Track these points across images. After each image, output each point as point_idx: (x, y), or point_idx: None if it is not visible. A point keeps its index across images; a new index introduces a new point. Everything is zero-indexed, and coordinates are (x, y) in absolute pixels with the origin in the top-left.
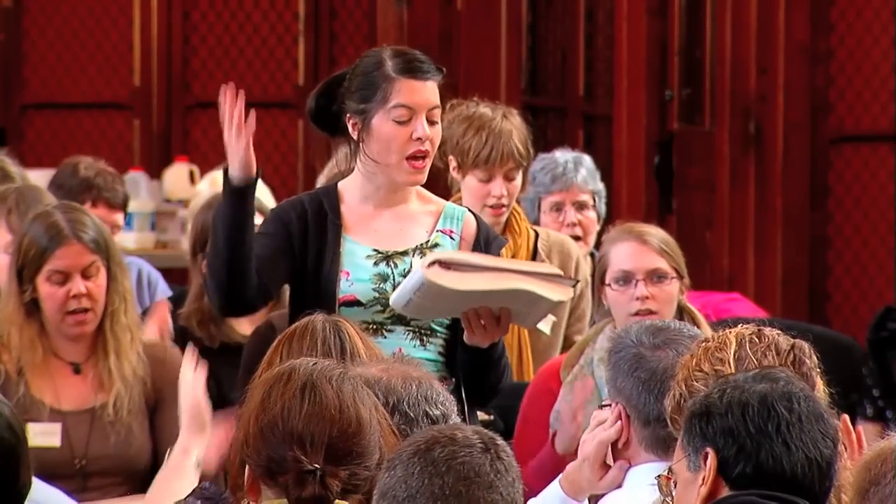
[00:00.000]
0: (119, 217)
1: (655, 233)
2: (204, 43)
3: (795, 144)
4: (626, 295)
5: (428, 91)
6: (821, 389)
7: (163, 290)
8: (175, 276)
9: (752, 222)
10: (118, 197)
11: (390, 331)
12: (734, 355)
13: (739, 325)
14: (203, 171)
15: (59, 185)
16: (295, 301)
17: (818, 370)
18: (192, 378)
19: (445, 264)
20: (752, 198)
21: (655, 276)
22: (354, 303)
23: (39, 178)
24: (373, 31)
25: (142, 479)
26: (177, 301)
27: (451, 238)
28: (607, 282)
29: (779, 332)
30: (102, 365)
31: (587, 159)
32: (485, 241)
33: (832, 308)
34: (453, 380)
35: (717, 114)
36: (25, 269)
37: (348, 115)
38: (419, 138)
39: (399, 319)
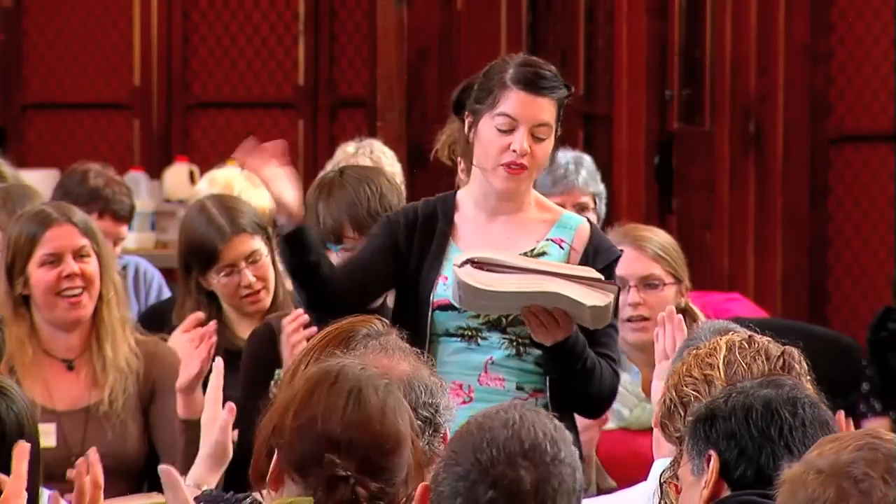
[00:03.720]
0: (124, 229)
1: (654, 237)
2: (204, 43)
3: (795, 144)
4: (620, 301)
5: (538, 107)
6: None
7: (157, 289)
8: (175, 275)
9: (752, 222)
10: (125, 209)
11: (485, 338)
12: (724, 360)
13: (730, 332)
14: (203, 171)
15: (67, 191)
16: (398, 305)
17: (808, 376)
18: (223, 417)
19: (479, 264)
20: (752, 198)
21: (648, 283)
22: (449, 306)
23: (39, 178)
24: (373, 31)
25: (137, 477)
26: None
27: (561, 247)
28: None
29: (769, 339)
30: (97, 357)
31: (588, 160)
32: (594, 252)
33: (832, 308)
34: (547, 394)
35: (717, 114)
36: (16, 260)
37: (466, 113)
38: (514, 150)
39: (494, 326)
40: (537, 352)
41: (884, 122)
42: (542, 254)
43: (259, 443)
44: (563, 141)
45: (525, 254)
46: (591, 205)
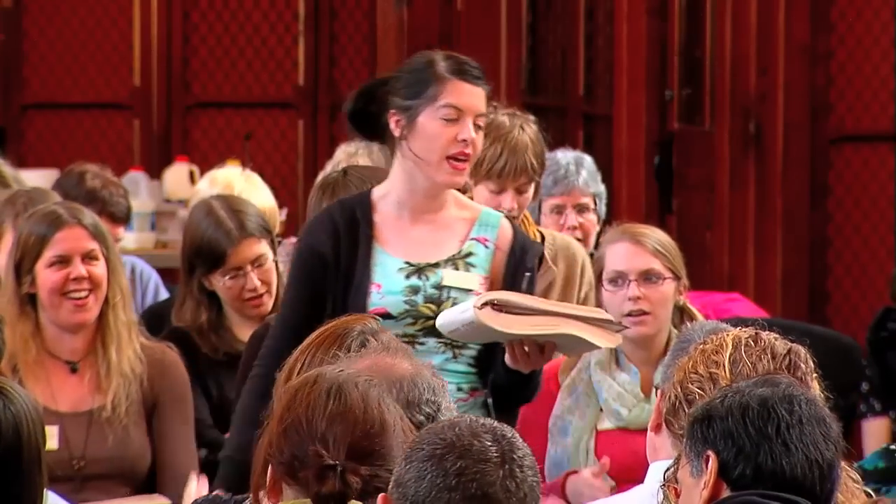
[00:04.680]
0: (121, 231)
1: (651, 233)
2: (204, 43)
3: (795, 144)
4: (619, 295)
5: (477, 96)
6: (817, 393)
7: (154, 289)
8: (175, 276)
9: (752, 222)
10: (122, 210)
11: (422, 343)
12: (729, 358)
13: (738, 328)
14: (203, 171)
15: (64, 192)
16: (328, 316)
17: (814, 375)
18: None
19: (498, 306)
20: (752, 198)
21: (648, 277)
22: (385, 315)
23: (39, 178)
24: (373, 31)
25: (140, 481)
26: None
27: (486, 246)
28: (602, 283)
29: (776, 336)
30: (101, 361)
31: (588, 160)
32: (520, 250)
33: (832, 308)
34: (487, 392)
35: (717, 114)
36: (24, 259)
37: (392, 111)
38: (464, 140)
39: (431, 332)
40: (472, 352)
41: (884, 122)
42: (469, 254)
43: (256, 456)
44: (563, 141)
45: (452, 256)
46: (592, 205)
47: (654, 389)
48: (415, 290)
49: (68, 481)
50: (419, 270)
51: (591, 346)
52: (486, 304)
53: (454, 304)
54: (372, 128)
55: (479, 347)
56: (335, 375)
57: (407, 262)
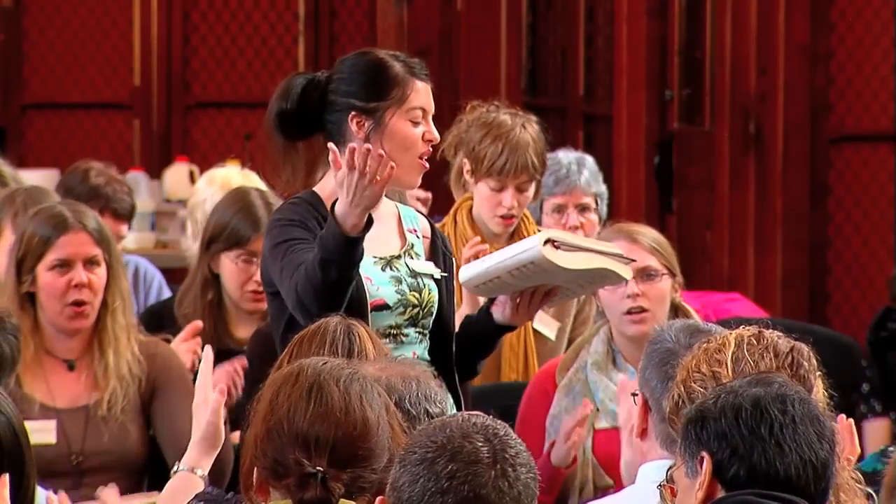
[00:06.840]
0: (124, 228)
1: (646, 231)
2: (204, 43)
3: (795, 144)
4: (618, 294)
5: (430, 94)
6: (820, 392)
7: (157, 289)
8: (175, 275)
9: (752, 222)
10: (125, 207)
11: (406, 335)
12: (732, 356)
13: (741, 327)
14: (203, 171)
15: (68, 189)
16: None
17: (817, 373)
18: (212, 398)
19: (556, 243)
20: (752, 198)
21: (646, 275)
22: (384, 306)
23: (39, 178)
24: (373, 31)
25: (137, 475)
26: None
27: (417, 237)
28: None
29: (779, 334)
30: (98, 362)
31: (590, 161)
32: (440, 236)
33: (832, 308)
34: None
35: (717, 114)
36: (27, 258)
37: (354, 113)
38: (430, 140)
39: (411, 322)
40: (428, 342)
41: (884, 122)
42: (412, 245)
43: (243, 455)
44: (563, 141)
45: (407, 249)
46: (593, 205)
47: None
48: (398, 280)
49: (67, 476)
50: (389, 263)
51: (617, 279)
52: (547, 241)
53: (430, 291)
54: (298, 130)
55: (433, 336)
56: (316, 371)
57: (375, 256)
